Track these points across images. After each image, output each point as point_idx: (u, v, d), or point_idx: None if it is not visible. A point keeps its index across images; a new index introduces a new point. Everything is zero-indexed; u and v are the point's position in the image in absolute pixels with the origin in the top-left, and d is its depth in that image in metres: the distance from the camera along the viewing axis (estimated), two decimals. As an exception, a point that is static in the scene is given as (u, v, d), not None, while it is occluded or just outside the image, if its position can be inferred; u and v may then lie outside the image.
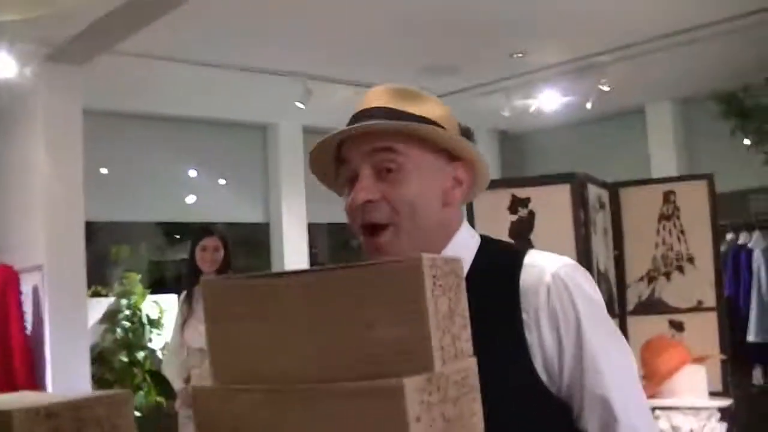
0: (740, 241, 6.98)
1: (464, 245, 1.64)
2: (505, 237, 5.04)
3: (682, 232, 5.06)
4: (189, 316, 5.59)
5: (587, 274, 1.61)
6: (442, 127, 1.63)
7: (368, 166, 1.59)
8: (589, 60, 6.61)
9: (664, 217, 5.10)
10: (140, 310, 6.58)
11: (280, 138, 8.20)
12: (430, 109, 1.65)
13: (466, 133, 1.72)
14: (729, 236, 6.92)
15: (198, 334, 5.52)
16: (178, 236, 9.84)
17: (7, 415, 1.03)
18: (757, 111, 6.71)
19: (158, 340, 6.61)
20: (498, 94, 7.25)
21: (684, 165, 8.20)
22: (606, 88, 6.84)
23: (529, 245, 4.63)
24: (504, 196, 4.95)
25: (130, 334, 6.45)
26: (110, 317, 6.49)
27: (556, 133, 9.06)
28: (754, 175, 7.25)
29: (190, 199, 7.99)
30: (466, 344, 0.99)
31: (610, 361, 1.52)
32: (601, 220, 4.91)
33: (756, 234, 6.91)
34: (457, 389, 0.92)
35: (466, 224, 1.69)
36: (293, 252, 8.06)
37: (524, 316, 1.52)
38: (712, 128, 7.35)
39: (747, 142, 7.09)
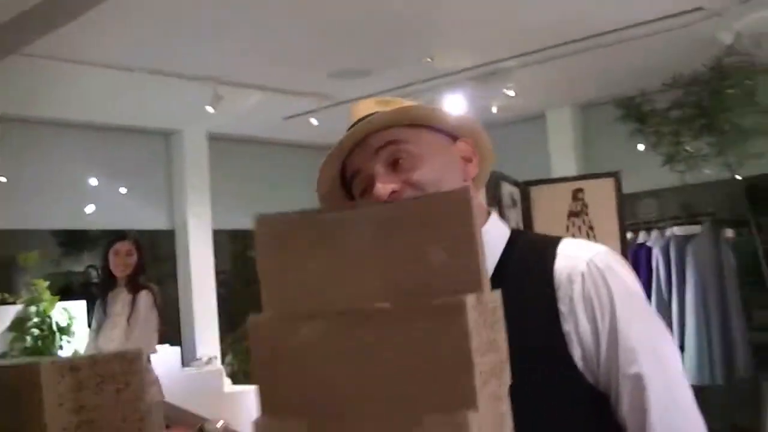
0: (639, 240, 7.24)
1: (494, 235, 1.60)
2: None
3: (591, 227, 5.25)
4: (103, 322, 5.55)
5: (623, 260, 1.57)
6: None
7: (379, 165, 1.56)
8: (495, 65, 6.76)
9: (573, 214, 5.28)
10: (50, 318, 6.43)
11: (185, 145, 8.12)
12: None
13: None
14: (629, 235, 7.15)
15: (110, 341, 5.48)
16: (76, 245, 9.69)
17: (35, 368, 1.05)
18: (653, 115, 6.95)
19: (68, 348, 6.47)
20: (406, 99, 7.32)
21: (582, 168, 8.45)
22: (511, 93, 7.01)
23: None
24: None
25: (40, 342, 6.30)
26: (18, 325, 6.32)
27: (461, 137, 9.22)
28: (648, 178, 7.52)
29: (91, 207, 7.83)
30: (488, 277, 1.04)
31: (646, 347, 1.47)
32: (513, 216, 5.05)
33: (654, 233, 7.18)
34: (492, 315, 0.97)
35: (495, 215, 1.66)
36: (199, 258, 7.99)
37: (561, 306, 1.48)
38: (609, 133, 7.59)
39: (641, 147, 7.35)
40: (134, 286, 5.66)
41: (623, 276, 1.52)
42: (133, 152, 8.05)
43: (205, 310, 7.85)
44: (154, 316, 5.71)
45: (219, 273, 8.50)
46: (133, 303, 5.61)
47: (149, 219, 8.13)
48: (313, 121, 7.29)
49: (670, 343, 1.54)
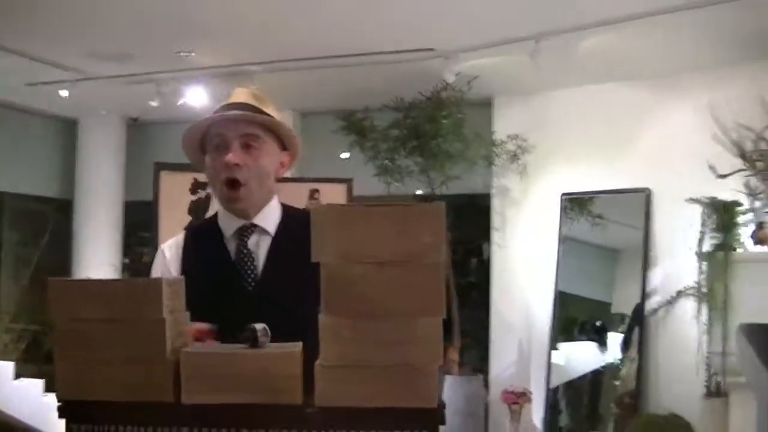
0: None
1: (276, 207, 2.56)
2: (184, 214, 5.75)
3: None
4: None
5: None
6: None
7: (238, 143, 2.44)
8: (242, 67, 7.38)
9: (308, 212, 6.09)
10: None
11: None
12: (272, 111, 2.53)
13: None
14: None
15: None
16: None
17: (158, 281, 1.71)
18: (373, 131, 7.87)
19: None
20: (150, 85, 7.77)
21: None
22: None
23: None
24: (187, 179, 5.70)
25: None
26: None
27: (181, 128, 9.62)
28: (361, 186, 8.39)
29: None
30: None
31: None
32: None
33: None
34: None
35: (276, 197, 2.58)
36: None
37: None
38: (329, 142, 8.36)
39: (345, 155, 8.24)
40: None
41: None
42: None
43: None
44: None
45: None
46: None
47: None
48: (63, 93, 7.56)
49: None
